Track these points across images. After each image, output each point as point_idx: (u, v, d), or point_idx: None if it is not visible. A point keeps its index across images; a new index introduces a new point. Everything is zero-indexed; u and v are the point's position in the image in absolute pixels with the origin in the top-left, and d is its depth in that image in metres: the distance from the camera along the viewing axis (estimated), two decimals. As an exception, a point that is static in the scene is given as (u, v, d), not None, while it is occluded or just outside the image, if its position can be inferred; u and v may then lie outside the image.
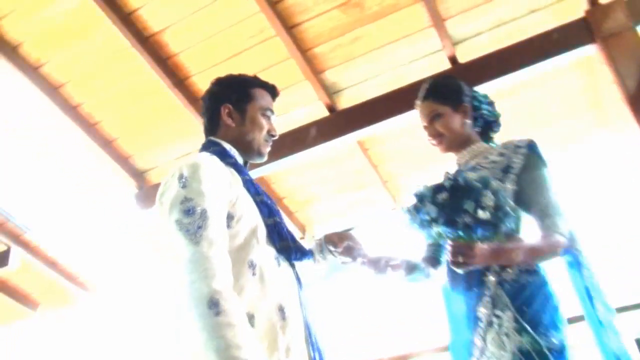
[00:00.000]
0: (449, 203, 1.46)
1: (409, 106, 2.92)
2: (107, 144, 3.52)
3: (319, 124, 3.16)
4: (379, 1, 2.75)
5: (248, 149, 1.58)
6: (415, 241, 1.83)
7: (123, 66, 3.11)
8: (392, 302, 4.03)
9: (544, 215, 1.62)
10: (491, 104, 1.94)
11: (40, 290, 4.90)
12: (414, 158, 3.56)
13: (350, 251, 1.65)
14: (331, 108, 3.12)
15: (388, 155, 3.58)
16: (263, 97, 1.62)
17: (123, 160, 3.63)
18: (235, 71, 2.78)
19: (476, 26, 2.83)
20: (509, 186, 1.64)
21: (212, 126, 1.61)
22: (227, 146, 1.56)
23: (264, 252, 1.38)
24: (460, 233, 1.46)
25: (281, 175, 3.74)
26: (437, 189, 1.51)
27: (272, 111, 1.63)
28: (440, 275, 1.78)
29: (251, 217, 1.39)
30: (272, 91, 1.67)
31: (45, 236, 4.30)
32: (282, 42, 2.83)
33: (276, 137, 1.63)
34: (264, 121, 1.59)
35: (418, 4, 2.73)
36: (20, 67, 3.12)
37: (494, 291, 1.57)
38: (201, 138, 1.64)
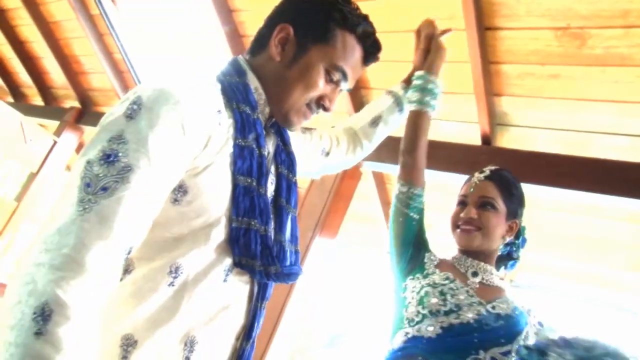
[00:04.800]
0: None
1: (574, 182, 2.33)
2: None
3: (468, 150, 2.64)
4: (608, 45, 2.11)
5: (276, 103, 1.04)
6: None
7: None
8: None
9: None
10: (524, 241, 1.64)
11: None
12: (549, 240, 2.90)
13: None
14: (487, 139, 2.57)
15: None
16: (346, 49, 1.04)
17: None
18: (402, 46, 2.39)
19: None
20: None
21: (257, 44, 1.09)
22: (254, 82, 1.03)
23: (208, 259, 0.92)
24: None
25: (403, 180, 3.27)
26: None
27: (345, 75, 1.05)
28: None
29: (214, 205, 0.91)
30: (370, 51, 1.08)
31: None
32: (467, 40, 2.33)
33: (328, 112, 1.08)
34: (321, 80, 1.03)
35: (657, 69, 2.05)
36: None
37: None
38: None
